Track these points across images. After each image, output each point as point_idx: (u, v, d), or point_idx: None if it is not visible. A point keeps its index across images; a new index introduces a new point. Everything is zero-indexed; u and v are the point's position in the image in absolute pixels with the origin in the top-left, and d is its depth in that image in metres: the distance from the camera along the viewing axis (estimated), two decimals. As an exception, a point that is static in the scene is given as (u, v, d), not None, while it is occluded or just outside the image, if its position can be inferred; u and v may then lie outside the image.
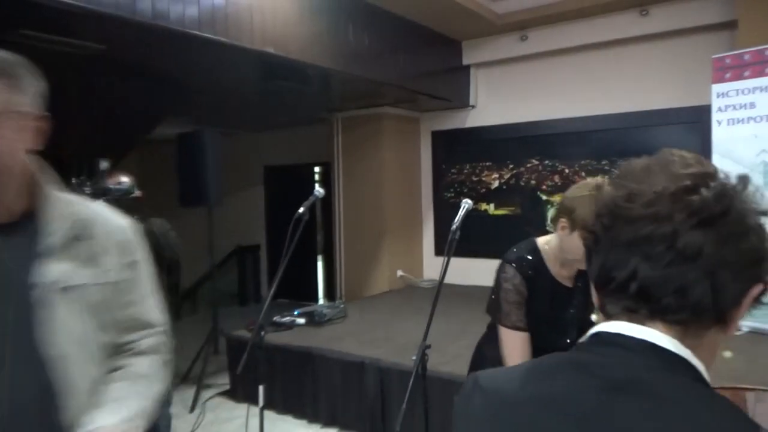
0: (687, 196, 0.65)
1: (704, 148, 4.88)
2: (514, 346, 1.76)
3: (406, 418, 2.03)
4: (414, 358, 2.08)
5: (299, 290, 7.33)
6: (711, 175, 0.67)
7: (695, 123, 5.03)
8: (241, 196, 8.11)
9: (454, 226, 2.16)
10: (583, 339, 0.72)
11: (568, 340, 1.78)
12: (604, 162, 5.48)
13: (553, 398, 0.67)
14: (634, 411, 0.62)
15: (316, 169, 8.20)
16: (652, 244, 0.64)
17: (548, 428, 0.66)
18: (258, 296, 8.54)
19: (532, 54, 5.83)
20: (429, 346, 2.09)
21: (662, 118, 5.27)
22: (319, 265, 8.23)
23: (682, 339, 0.66)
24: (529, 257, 1.79)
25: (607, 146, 5.49)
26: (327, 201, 6.54)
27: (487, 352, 1.91)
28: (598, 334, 0.70)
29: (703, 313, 0.65)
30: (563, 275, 1.79)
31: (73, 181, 2.80)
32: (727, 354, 3.12)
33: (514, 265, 1.77)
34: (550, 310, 1.76)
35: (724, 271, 0.64)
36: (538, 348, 1.75)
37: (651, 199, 0.65)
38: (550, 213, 1.92)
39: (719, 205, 0.64)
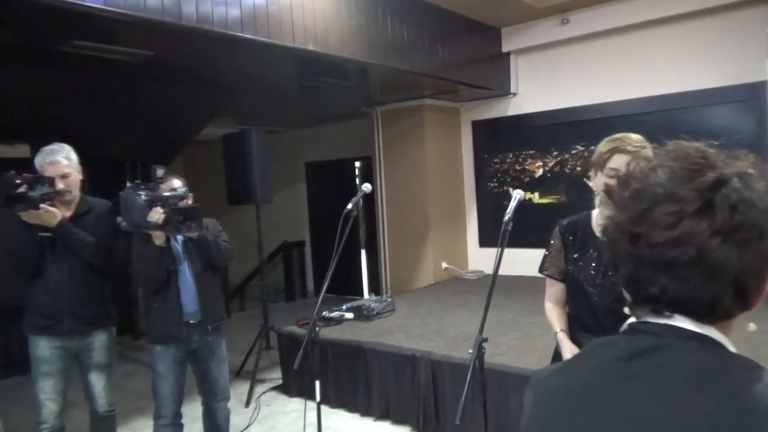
0: (705, 214, 0.66)
1: (760, 126, 4.69)
2: (547, 291, 2.00)
3: (462, 411, 2.02)
4: (471, 351, 2.07)
5: (344, 285, 7.38)
6: (722, 180, 0.68)
7: (749, 101, 4.81)
8: (284, 192, 8.21)
9: (506, 217, 2.13)
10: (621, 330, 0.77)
11: (610, 303, 1.77)
12: (654, 145, 5.30)
13: (580, 377, 0.74)
14: (654, 372, 0.67)
15: (357, 163, 8.24)
16: (678, 267, 0.66)
17: (576, 406, 0.72)
18: (304, 292, 8.65)
19: (574, 37, 5.68)
20: (486, 339, 2.07)
21: (714, 98, 5.07)
22: (363, 259, 8.27)
23: (709, 327, 0.70)
24: (575, 217, 1.97)
25: (656, 129, 5.31)
26: (369, 195, 6.53)
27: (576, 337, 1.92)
28: (629, 325, 0.75)
29: (732, 311, 0.70)
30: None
31: (128, 184, 2.88)
32: (752, 327, 3.00)
33: (559, 223, 1.99)
34: (589, 265, 1.82)
35: (748, 273, 0.67)
36: (587, 311, 1.85)
37: (670, 223, 0.66)
38: (597, 200, 1.92)
39: (737, 215, 0.66)
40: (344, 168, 8.26)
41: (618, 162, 1.77)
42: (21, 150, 4.73)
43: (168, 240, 2.80)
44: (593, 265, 1.82)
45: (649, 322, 0.73)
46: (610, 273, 1.76)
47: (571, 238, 1.91)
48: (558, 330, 1.91)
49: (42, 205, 2.56)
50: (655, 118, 5.32)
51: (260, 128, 4.88)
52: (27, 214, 2.57)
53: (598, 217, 1.89)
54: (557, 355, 1.94)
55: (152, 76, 4.61)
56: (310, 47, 3.88)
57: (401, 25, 4.69)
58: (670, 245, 0.66)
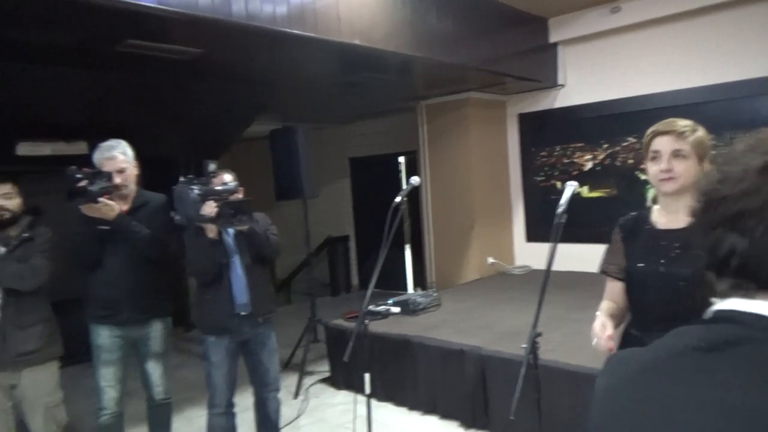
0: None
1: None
2: (606, 290, 1.95)
3: (517, 407, 1.98)
4: (524, 345, 2.03)
5: (388, 280, 7.37)
6: None
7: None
8: (328, 188, 8.28)
9: (560, 209, 2.07)
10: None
11: (668, 300, 1.71)
12: (711, 136, 5.09)
13: (655, 365, 0.75)
14: (732, 365, 0.66)
15: (401, 158, 8.22)
16: (743, 219, 0.69)
17: (649, 394, 0.72)
18: (349, 286, 8.71)
19: (625, 26, 5.50)
20: (540, 334, 2.03)
21: (775, 85, 4.83)
22: (407, 254, 8.26)
23: None
24: (634, 214, 1.90)
25: (714, 119, 5.08)
26: (413, 190, 6.52)
27: (631, 331, 1.88)
28: (713, 312, 0.74)
29: None
30: (663, 222, 1.79)
31: (181, 179, 2.94)
32: None
33: (618, 222, 1.93)
34: (648, 261, 1.76)
35: None
36: (645, 308, 1.80)
37: (739, 177, 0.70)
38: (650, 193, 1.86)
39: None
40: (388, 163, 8.25)
41: (659, 144, 1.73)
42: (79, 147, 4.90)
43: (220, 233, 2.86)
44: (653, 261, 1.75)
45: (734, 311, 0.71)
46: (670, 268, 1.70)
47: (630, 235, 1.85)
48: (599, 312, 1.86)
49: (101, 199, 2.66)
50: (711, 108, 5.10)
51: (306, 124, 4.93)
52: (87, 208, 2.66)
53: (659, 212, 1.82)
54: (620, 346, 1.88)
55: (201, 74, 4.71)
56: (356, 41, 3.89)
57: (446, 17, 4.64)
58: (737, 197, 0.70)
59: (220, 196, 2.79)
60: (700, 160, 1.69)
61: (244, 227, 2.82)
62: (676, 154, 1.68)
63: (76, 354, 4.86)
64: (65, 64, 4.12)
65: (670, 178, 1.69)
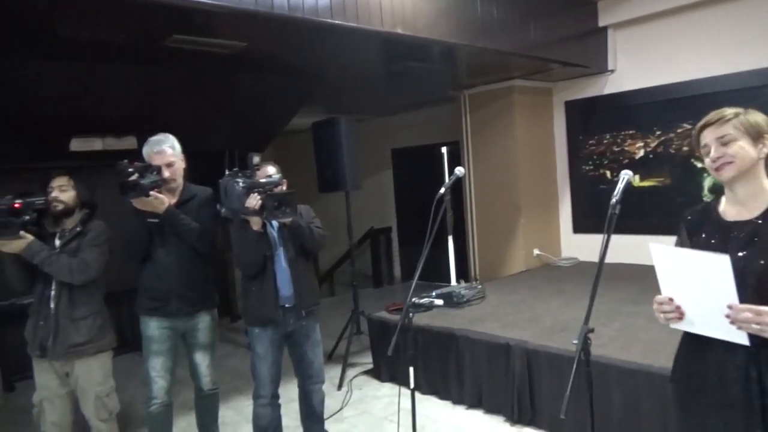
0: None
1: None
2: None
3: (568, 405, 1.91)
4: (575, 341, 1.95)
5: (431, 271, 7.33)
6: None
7: None
8: (371, 179, 8.27)
9: (614, 200, 1.97)
10: None
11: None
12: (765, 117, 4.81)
13: None
14: None
15: (444, 149, 8.13)
16: None
17: None
18: (391, 278, 8.70)
19: (678, 7, 5.25)
20: (592, 330, 1.94)
21: None
22: (450, 246, 8.17)
23: None
24: (700, 206, 1.82)
25: (777, 103, 4.82)
26: (456, 180, 6.44)
27: None
28: None
29: None
30: (731, 213, 1.69)
31: (227, 172, 2.97)
32: None
33: (683, 215, 1.84)
34: (711, 251, 1.61)
35: None
36: None
37: None
38: (708, 181, 1.76)
39: None
40: (431, 154, 8.17)
41: (705, 137, 1.67)
42: (128, 142, 5.03)
43: (264, 226, 2.88)
44: (721, 249, 1.65)
45: None
46: (742, 262, 1.59)
47: (695, 228, 1.76)
48: None
49: (151, 193, 2.70)
50: (774, 91, 4.82)
51: (349, 116, 4.90)
52: (138, 202, 2.71)
53: (726, 203, 1.72)
54: (681, 348, 1.78)
55: (245, 67, 4.75)
56: (399, 30, 3.83)
57: (490, 3, 4.53)
58: None
59: (264, 188, 2.80)
60: (754, 141, 1.60)
61: (288, 220, 2.83)
62: (722, 141, 1.62)
63: (128, 343, 5.05)
64: (115, 61, 4.22)
65: (723, 164, 1.62)
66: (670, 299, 1.64)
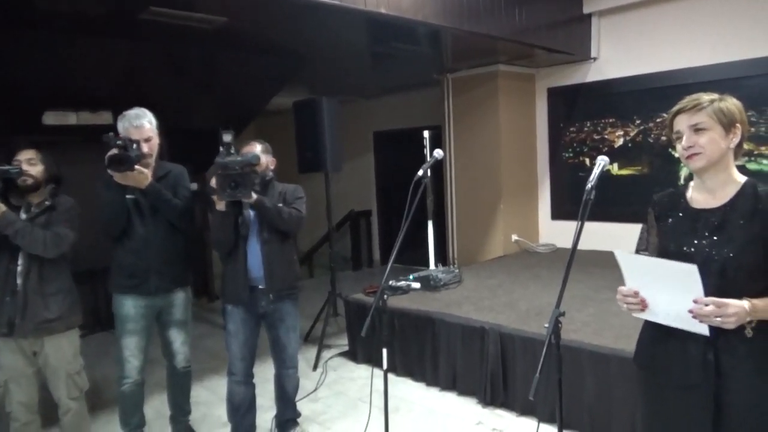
0: None
1: None
2: None
3: (537, 387, 1.93)
4: (546, 325, 1.96)
5: (410, 255, 7.32)
6: None
7: None
8: (352, 162, 8.22)
9: (589, 185, 1.98)
10: None
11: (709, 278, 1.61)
12: (749, 113, 4.87)
13: None
14: None
15: (426, 133, 8.09)
16: None
17: None
18: (371, 261, 8.70)
19: (663, -4, 5.27)
20: (563, 313, 1.96)
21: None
22: (430, 230, 8.18)
23: None
24: (669, 191, 1.82)
25: (755, 95, 4.87)
26: (437, 165, 6.40)
27: None
28: None
29: None
30: (698, 200, 1.71)
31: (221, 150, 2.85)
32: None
33: (652, 199, 1.84)
34: (683, 240, 1.67)
35: None
36: None
37: None
38: (684, 171, 1.77)
39: None
40: (413, 138, 8.12)
41: (678, 123, 1.67)
42: (104, 117, 4.93)
43: (240, 206, 2.83)
44: (690, 242, 1.66)
45: None
46: (710, 249, 1.61)
47: (664, 213, 1.77)
48: None
49: (136, 167, 2.66)
50: (754, 83, 4.87)
51: (331, 98, 4.85)
52: (123, 176, 2.66)
53: (695, 189, 1.73)
54: (644, 332, 1.81)
55: (226, 44, 4.66)
56: (382, 10, 3.78)
57: (476, -14, 4.49)
58: None
59: (228, 168, 2.72)
60: (726, 130, 1.61)
61: (248, 199, 2.76)
62: (695, 129, 1.62)
63: (101, 322, 5.00)
64: (91, 34, 4.11)
65: (693, 154, 1.63)
66: (636, 292, 1.66)
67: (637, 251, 1.86)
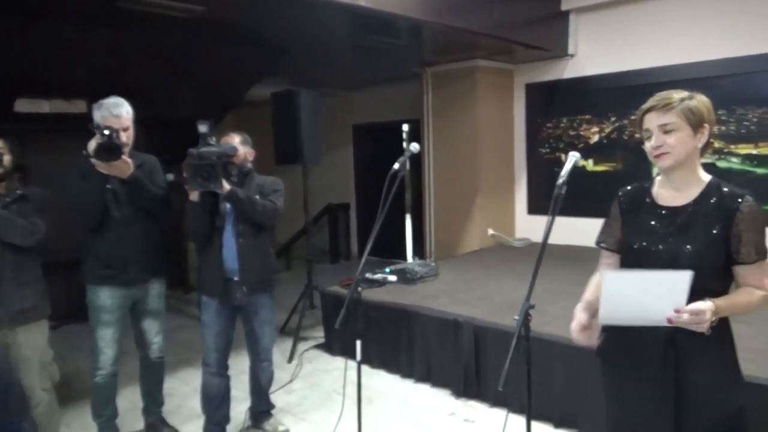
0: None
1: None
2: (600, 263, 1.92)
3: (506, 378, 1.97)
4: (517, 317, 2.00)
5: (388, 248, 7.38)
6: None
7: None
8: (331, 155, 8.20)
9: (560, 180, 2.01)
10: None
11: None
12: (720, 112, 4.98)
13: None
14: None
15: (405, 126, 8.12)
16: None
17: None
18: (348, 253, 8.71)
19: (641, -6, 5.35)
20: (533, 306, 2.00)
21: (794, 61, 4.69)
22: (408, 223, 8.23)
23: None
24: (636, 186, 1.84)
25: (726, 94, 4.98)
26: (416, 158, 6.47)
27: None
28: None
29: None
30: (665, 197, 1.74)
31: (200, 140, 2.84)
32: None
33: (618, 193, 1.87)
34: (650, 237, 1.71)
35: None
36: None
37: None
38: (656, 169, 1.81)
39: None
40: (392, 131, 8.16)
41: (648, 121, 1.69)
42: (78, 106, 4.84)
43: (216, 197, 2.82)
44: (656, 238, 1.70)
45: None
46: (675, 246, 1.65)
47: (630, 209, 1.80)
48: (583, 299, 1.83)
49: (123, 156, 2.66)
50: (728, 82, 4.97)
51: (310, 89, 4.83)
52: (108, 165, 2.64)
53: (660, 186, 1.77)
54: (607, 326, 1.86)
55: (205, 33, 4.61)
56: (362, 3, 3.78)
57: (456, -19, 4.51)
58: None
59: (202, 158, 2.70)
60: (694, 130, 1.64)
61: (221, 190, 2.75)
62: (664, 129, 1.65)
63: (72, 314, 4.92)
64: (66, 20, 4.04)
65: (662, 154, 1.65)
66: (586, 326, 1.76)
67: (598, 243, 1.90)
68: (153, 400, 3.18)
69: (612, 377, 1.82)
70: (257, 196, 2.90)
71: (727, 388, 1.64)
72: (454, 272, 4.97)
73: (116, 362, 2.92)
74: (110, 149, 2.59)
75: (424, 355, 3.85)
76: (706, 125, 1.65)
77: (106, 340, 2.86)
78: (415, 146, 2.84)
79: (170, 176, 2.97)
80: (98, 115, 2.74)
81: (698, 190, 1.68)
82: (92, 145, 2.64)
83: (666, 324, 1.54)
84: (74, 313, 4.54)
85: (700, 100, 1.67)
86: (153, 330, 3.04)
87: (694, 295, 1.52)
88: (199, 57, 5.12)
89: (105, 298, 2.83)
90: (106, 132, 2.60)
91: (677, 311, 1.51)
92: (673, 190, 1.72)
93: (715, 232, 1.61)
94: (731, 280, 1.66)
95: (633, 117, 5.88)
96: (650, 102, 1.70)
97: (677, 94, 1.67)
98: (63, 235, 2.80)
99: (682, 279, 1.49)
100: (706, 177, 1.70)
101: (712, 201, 1.64)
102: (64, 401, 3.21)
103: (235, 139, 2.95)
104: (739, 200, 1.61)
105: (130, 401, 3.54)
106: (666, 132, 1.64)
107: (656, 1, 5.34)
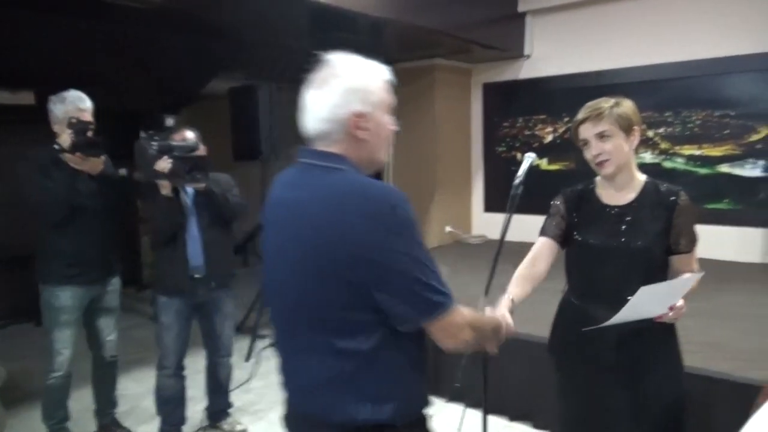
0: None
1: (781, 98, 4.57)
2: (533, 248, 1.98)
3: (463, 374, 2.01)
4: (474, 314, 2.04)
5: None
6: None
7: (773, 71, 4.68)
8: (290, 151, 8.13)
9: (517, 180, 2.06)
10: None
11: (613, 272, 1.76)
12: (667, 114, 5.19)
13: None
14: None
15: (365, 123, 8.11)
16: None
17: None
18: (307, 250, 8.65)
19: (595, -1, 5.51)
20: (490, 302, 2.04)
21: (735, 66, 4.93)
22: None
23: None
24: (580, 186, 1.92)
25: (673, 97, 5.19)
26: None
27: (572, 300, 1.94)
28: None
29: None
30: (607, 196, 1.83)
31: (142, 134, 2.82)
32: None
33: (562, 191, 1.95)
34: (600, 234, 1.79)
35: None
36: (593, 279, 1.83)
37: None
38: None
39: None
40: (352, 127, 8.14)
41: (583, 132, 1.79)
42: (23, 97, 4.66)
43: (177, 192, 2.77)
44: (607, 235, 1.78)
45: None
46: (626, 242, 1.73)
47: (575, 207, 1.89)
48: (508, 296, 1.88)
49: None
50: (675, 85, 5.19)
51: (270, 84, 4.78)
52: (84, 161, 2.59)
53: (603, 186, 1.86)
54: (559, 321, 1.92)
55: (163, 25, 4.50)
56: (323, -1, 3.77)
57: (416, -21, 4.54)
58: None
59: (177, 152, 2.68)
60: (627, 134, 1.74)
61: (200, 185, 2.74)
62: (600, 137, 1.74)
63: (20, 313, 4.75)
64: (12, 6, 3.87)
65: (603, 162, 1.75)
66: None
67: (540, 235, 1.99)
68: (106, 402, 3.11)
69: (566, 374, 1.89)
70: None
71: (673, 377, 1.75)
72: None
73: (72, 364, 2.84)
74: (94, 144, 2.54)
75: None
76: (635, 127, 1.76)
77: (64, 341, 2.77)
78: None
79: (123, 171, 2.90)
80: (61, 109, 2.65)
81: (638, 188, 1.79)
82: (66, 139, 2.57)
83: (652, 317, 1.63)
84: (20, 313, 4.38)
85: (627, 105, 1.78)
86: (108, 328, 2.97)
87: (638, 286, 1.61)
88: (156, 49, 4.99)
89: (66, 298, 2.74)
90: (91, 126, 2.56)
91: (673, 308, 1.61)
92: (614, 190, 1.81)
93: (659, 226, 1.70)
94: (667, 268, 1.75)
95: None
96: (582, 113, 1.79)
97: (605, 103, 1.77)
98: (7, 233, 2.70)
99: (690, 279, 1.60)
100: (642, 176, 1.82)
101: (652, 198, 1.75)
102: (10, 403, 3.10)
103: (189, 134, 2.90)
104: (676, 196, 1.73)
105: (81, 403, 3.43)
106: (602, 138, 1.74)
107: (610, 5, 5.52)
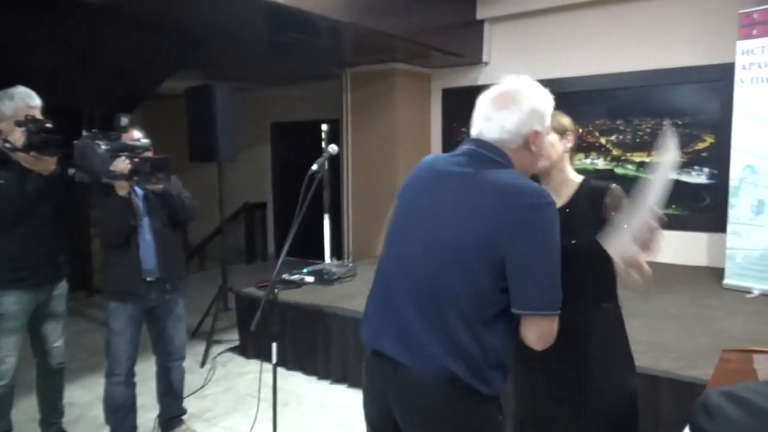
0: None
1: (724, 107, 4.76)
2: None
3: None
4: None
5: (306, 249, 7.33)
6: None
7: (718, 81, 4.88)
8: (248, 152, 8.03)
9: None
10: None
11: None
12: (619, 122, 5.35)
13: None
14: None
15: (324, 126, 8.09)
16: None
17: None
18: (265, 254, 8.57)
19: (550, 8, 5.63)
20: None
21: (683, 77, 5.12)
22: (326, 223, 8.21)
23: None
24: None
25: (624, 105, 5.36)
26: (334, 158, 6.46)
27: None
28: None
29: None
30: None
31: (84, 133, 2.73)
32: None
33: None
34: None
35: None
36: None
37: None
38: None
39: None
40: (310, 130, 8.11)
41: None
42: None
43: (129, 193, 2.70)
44: (563, 236, 1.82)
45: None
46: (576, 242, 1.77)
47: None
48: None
49: None
50: (624, 94, 5.35)
51: (227, 84, 4.71)
52: (40, 161, 2.49)
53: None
54: None
55: (112, 21, 4.37)
56: (281, 0, 3.73)
57: (375, -16, 4.55)
58: None
59: (134, 152, 2.61)
60: (560, 135, 1.83)
61: (158, 187, 2.67)
62: None
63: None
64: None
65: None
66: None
67: None
68: (52, 410, 2.98)
69: (517, 372, 1.92)
70: None
71: (623, 376, 1.80)
72: (372, 272, 4.98)
73: (16, 372, 2.71)
74: (57, 144, 2.45)
75: (341, 355, 3.86)
76: (569, 132, 1.86)
77: (9, 348, 2.64)
78: (333, 148, 2.84)
79: (72, 171, 2.80)
80: (9, 106, 2.54)
81: (573, 188, 1.85)
82: (19, 137, 2.46)
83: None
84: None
85: (564, 117, 1.88)
86: (55, 334, 2.86)
87: (588, 282, 1.69)
88: (108, 45, 4.85)
89: (11, 303, 2.61)
90: (48, 125, 2.46)
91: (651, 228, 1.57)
92: (552, 191, 1.85)
93: (594, 217, 1.76)
94: (610, 265, 1.79)
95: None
96: None
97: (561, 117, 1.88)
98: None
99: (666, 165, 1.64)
100: (578, 178, 1.88)
101: (587, 193, 1.83)
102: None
103: (138, 133, 2.82)
104: (608, 187, 1.81)
105: (25, 412, 3.30)
106: None
107: (566, 15, 5.65)
